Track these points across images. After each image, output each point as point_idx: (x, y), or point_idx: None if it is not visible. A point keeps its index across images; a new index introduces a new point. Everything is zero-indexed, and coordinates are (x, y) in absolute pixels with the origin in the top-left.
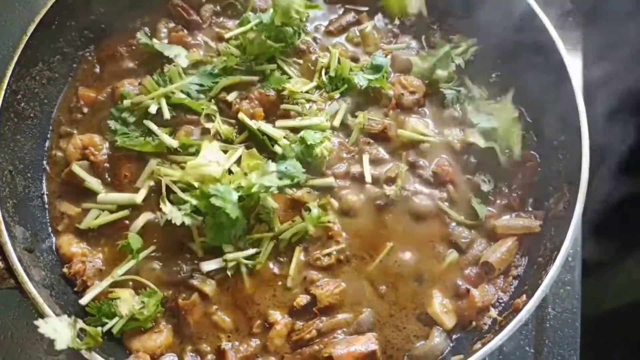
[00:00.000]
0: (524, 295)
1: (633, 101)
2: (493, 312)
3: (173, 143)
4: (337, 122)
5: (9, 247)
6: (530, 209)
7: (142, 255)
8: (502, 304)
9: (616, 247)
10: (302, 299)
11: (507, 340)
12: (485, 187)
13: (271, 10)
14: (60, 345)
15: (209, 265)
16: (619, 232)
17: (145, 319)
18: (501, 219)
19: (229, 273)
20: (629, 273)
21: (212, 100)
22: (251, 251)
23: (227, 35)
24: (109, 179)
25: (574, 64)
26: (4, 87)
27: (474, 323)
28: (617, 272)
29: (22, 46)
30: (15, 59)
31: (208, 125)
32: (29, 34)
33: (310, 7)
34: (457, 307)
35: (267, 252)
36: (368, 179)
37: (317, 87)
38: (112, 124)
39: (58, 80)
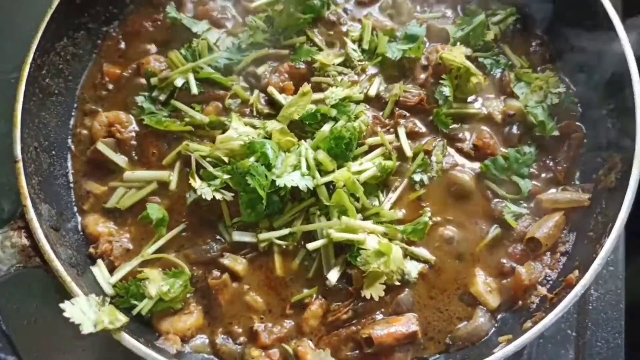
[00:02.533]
0: (577, 271)
1: None
2: (542, 290)
3: (204, 119)
4: (372, 92)
5: (35, 224)
6: (577, 182)
7: (171, 233)
8: (550, 282)
9: None
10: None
11: None
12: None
13: None
14: (87, 328)
15: (241, 237)
16: None
17: (173, 299)
18: (547, 193)
19: (260, 249)
20: None
21: (241, 74)
22: (285, 231)
23: (253, 5)
24: (136, 157)
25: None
26: (29, 61)
27: (520, 302)
28: None
29: (47, 19)
30: (40, 32)
31: (232, 102)
32: (53, 7)
33: None
34: (502, 285)
35: (300, 232)
36: (408, 152)
37: (347, 60)
38: (139, 100)
39: (82, 56)
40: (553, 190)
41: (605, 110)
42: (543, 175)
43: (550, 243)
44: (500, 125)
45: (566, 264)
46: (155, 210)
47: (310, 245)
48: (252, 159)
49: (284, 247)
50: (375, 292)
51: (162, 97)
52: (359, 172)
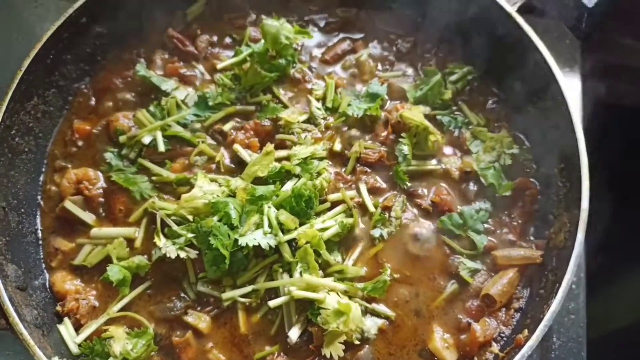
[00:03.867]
0: (526, 330)
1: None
2: (495, 348)
3: (170, 176)
4: (338, 147)
5: (0, 287)
6: (531, 237)
7: (135, 291)
8: (504, 338)
9: (619, 266)
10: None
11: None
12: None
13: (263, 40)
14: None
15: (205, 289)
16: (621, 249)
17: (136, 359)
18: (501, 250)
19: (224, 307)
20: (634, 291)
21: (208, 131)
22: (248, 288)
23: (219, 66)
24: (104, 214)
25: (571, 88)
26: None
27: (475, 358)
28: (622, 290)
29: (16, 81)
30: (10, 94)
31: (199, 158)
32: (23, 69)
33: (300, 32)
34: (459, 341)
35: (263, 289)
36: (371, 208)
37: (311, 117)
38: (108, 156)
39: (53, 113)
40: (508, 246)
41: (557, 169)
42: (498, 231)
43: (504, 300)
44: (458, 181)
45: (519, 320)
46: (115, 272)
47: (272, 303)
48: (215, 218)
49: (247, 304)
50: (334, 351)
51: (132, 155)
52: (322, 230)
